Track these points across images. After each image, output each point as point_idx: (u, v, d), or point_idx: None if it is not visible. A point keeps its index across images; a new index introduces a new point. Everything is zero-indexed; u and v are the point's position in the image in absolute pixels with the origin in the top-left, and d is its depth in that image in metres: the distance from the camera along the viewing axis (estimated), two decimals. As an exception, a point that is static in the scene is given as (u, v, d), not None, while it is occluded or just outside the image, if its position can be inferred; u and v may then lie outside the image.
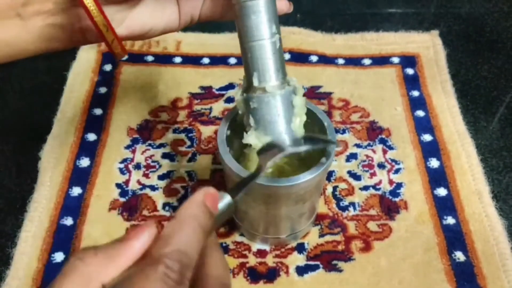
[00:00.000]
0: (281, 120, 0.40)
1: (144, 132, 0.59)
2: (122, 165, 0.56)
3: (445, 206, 0.52)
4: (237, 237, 0.51)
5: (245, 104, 0.41)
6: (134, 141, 0.58)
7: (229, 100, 0.62)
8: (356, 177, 0.55)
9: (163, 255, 0.23)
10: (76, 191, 0.54)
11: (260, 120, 0.40)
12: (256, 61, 0.39)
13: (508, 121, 0.61)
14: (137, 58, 0.67)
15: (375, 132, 0.59)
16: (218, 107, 0.62)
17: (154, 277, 0.22)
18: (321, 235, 0.50)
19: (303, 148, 0.38)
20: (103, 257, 0.24)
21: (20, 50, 0.39)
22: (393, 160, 0.56)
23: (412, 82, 0.64)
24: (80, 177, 0.55)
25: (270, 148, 0.38)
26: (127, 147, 0.58)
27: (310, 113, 0.45)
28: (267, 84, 0.39)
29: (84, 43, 0.41)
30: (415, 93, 0.63)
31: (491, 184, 0.54)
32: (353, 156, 0.57)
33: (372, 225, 0.51)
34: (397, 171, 0.55)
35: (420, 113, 0.60)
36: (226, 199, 0.29)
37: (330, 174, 0.55)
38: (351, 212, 0.52)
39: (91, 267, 0.23)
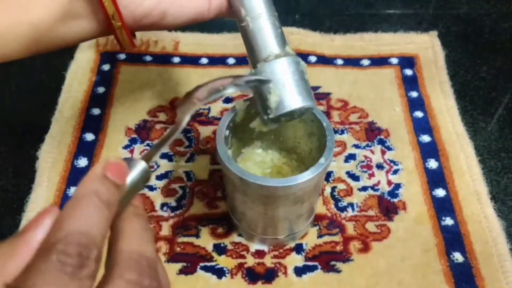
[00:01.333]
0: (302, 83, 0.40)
1: (142, 132, 0.59)
2: (120, 165, 0.56)
3: (444, 207, 0.52)
4: (235, 238, 0.50)
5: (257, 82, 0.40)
6: (132, 141, 0.58)
7: (228, 100, 0.62)
8: (355, 178, 0.55)
9: (55, 242, 0.20)
10: (74, 191, 0.53)
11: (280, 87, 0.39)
12: (264, 33, 0.40)
13: (506, 122, 0.61)
14: (135, 58, 0.67)
15: (373, 133, 0.59)
16: (216, 107, 0.62)
17: (47, 268, 0.20)
18: (320, 236, 0.50)
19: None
20: (1, 256, 0.21)
21: (44, 33, 0.38)
22: (391, 161, 0.56)
23: (410, 82, 0.64)
24: (78, 177, 0.55)
25: (186, 100, 0.36)
26: (125, 147, 0.57)
27: (309, 113, 0.45)
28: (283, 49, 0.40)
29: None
30: (414, 94, 0.63)
31: (490, 185, 0.54)
32: (351, 156, 0.57)
33: (371, 226, 0.51)
34: (395, 171, 0.55)
35: (419, 113, 0.60)
36: (140, 165, 0.26)
37: (328, 175, 0.55)
38: (350, 212, 0.52)
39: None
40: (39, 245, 0.21)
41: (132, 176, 0.25)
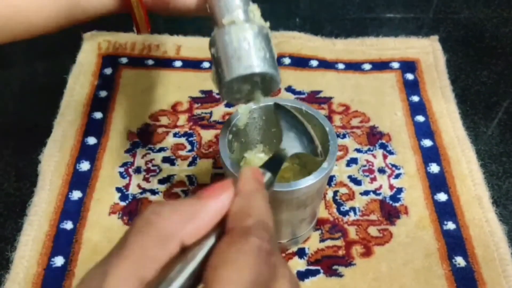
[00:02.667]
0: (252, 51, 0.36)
1: (144, 136, 0.59)
2: (122, 169, 0.56)
3: (445, 211, 0.52)
4: (237, 242, 0.50)
5: (213, 44, 0.38)
6: (135, 145, 0.58)
7: (229, 104, 0.62)
8: (357, 182, 0.55)
9: (250, 227, 0.22)
10: (76, 195, 0.53)
11: (230, 53, 0.36)
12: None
13: (507, 126, 0.61)
14: (137, 62, 0.67)
15: (375, 137, 0.59)
16: (218, 111, 0.62)
17: (248, 249, 0.21)
18: (322, 240, 0.50)
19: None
20: (181, 215, 0.23)
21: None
22: (393, 165, 0.56)
23: (412, 87, 0.64)
24: (80, 181, 0.55)
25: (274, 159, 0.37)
26: (127, 151, 0.58)
27: (312, 118, 0.45)
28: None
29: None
30: (415, 98, 0.63)
31: (491, 190, 0.54)
32: (353, 161, 0.57)
33: (373, 230, 0.51)
34: (397, 176, 0.55)
35: (420, 118, 0.61)
36: (267, 174, 0.30)
37: (330, 179, 0.55)
38: (352, 217, 0.52)
39: (169, 223, 0.22)
40: (216, 216, 0.23)
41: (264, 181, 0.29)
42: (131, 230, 0.22)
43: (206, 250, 0.23)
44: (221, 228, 0.24)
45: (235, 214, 0.24)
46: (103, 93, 0.63)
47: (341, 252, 0.49)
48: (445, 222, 0.51)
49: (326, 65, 0.67)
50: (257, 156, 0.51)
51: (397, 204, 0.53)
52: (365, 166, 0.56)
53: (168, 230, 0.22)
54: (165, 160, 0.57)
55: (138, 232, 0.22)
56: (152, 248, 0.22)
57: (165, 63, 0.67)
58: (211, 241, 0.23)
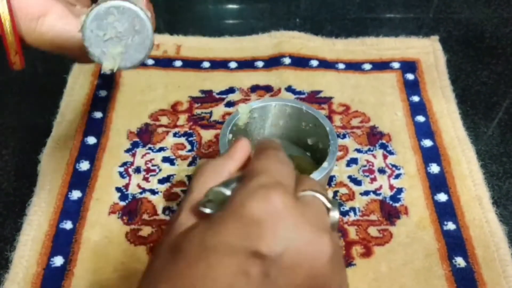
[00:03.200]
0: None
1: (144, 136, 0.59)
2: (122, 169, 0.56)
3: (446, 211, 0.52)
4: (237, 242, 0.50)
5: None
6: (134, 145, 0.58)
7: (230, 104, 0.62)
8: (357, 182, 0.55)
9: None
10: (75, 194, 0.53)
11: None
12: None
13: (508, 126, 0.61)
14: (137, 62, 0.67)
15: (375, 137, 0.59)
16: (218, 111, 0.62)
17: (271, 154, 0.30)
18: (322, 240, 0.50)
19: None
20: (223, 157, 0.32)
21: None
22: (393, 165, 0.56)
23: (412, 87, 0.64)
24: (80, 180, 0.55)
25: None
26: (127, 150, 0.57)
27: (312, 118, 0.45)
28: None
29: None
30: (415, 98, 0.63)
31: (491, 190, 0.54)
32: (353, 161, 0.57)
33: (373, 230, 0.51)
34: (397, 176, 0.55)
35: (421, 118, 0.61)
36: None
37: (330, 179, 0.55)
38: (352, 217, 0.52)
39: (218, 161, 0.31)
40: (244, 158, 0.32)
41: None
42: (196, 176, 0.31)
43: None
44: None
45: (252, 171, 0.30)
46: (103, 93, 0.63)
47: (341, 252, 0.49)
48: (445, 223, 0.51)
49: (326, 65, 0.67)
50: None
51: (397, 204, 0.53)
52: (365, 166, 0.56)
53: (218, 166, 0.31)
54: (165, 160, 0.57)
55: (201, 174, 0.31)
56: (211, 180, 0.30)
57: (165, 62, 0.67)
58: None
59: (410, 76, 0.66)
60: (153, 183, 0.55)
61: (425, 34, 0.71)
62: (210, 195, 0.28)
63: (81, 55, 0.38)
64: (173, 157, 0.57)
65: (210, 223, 0.26)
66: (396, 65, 0.67)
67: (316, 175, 0.40)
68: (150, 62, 0.67)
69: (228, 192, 0.28)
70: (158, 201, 0.53)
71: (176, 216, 0.29)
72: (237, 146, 0.33)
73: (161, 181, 0.55)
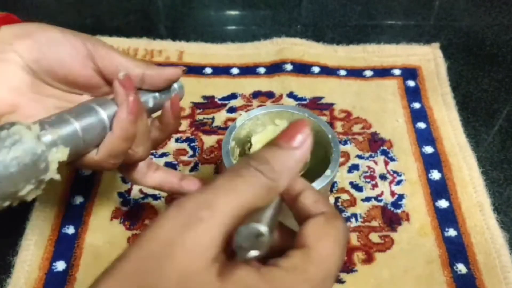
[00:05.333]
0: None
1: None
2: (124, 174, 0.56)
3: (447, 218, 0.52)
4: (239, 248, 0.50)
5: None
6: (137, 150, 0.58)
7: (232, 110, 0.63)
8: (358, 188, 0.55)
9: (337, 214, 0.28)
10: (78, 199, 0.54)
11: None
12: None
13: (508, 134, 0.61)
14: (139, 67, 0.67)
15: (376, 144, 0.59)
16: (220, 117, 0.62)
17: (342, 230, 0.27)
18: (323, 246, 0.50)
19: None
20: (279, 173, 0.27)
21: None
22: (394, 172, 0.56)
23: (413, 94, 0.65)
24: (82, 185, 0.55)
25: None
26: (130, 156, 0.58)
27: (315, 125, 0.45)
28: None
29: None
30: (417, 105, 0.63)
31: (492, 197, 0.54)
32: (355, 167, 0.57)
33: (374, 237, 0.51)
34: (398, 182, 0.55)
35: (422, 125, 0.61)
36: None
37: (332, 185, 0.55)
38: (353, 223, 0.52)
39: (270, 183, 0.26)
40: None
41: None
42: (239, 173, 0.26)
43: (277, 208, 0.27)
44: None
45: (322, 197, 0.28)
46: (105, 98, 0.64)
47: (342, 259, 0.49)
48: (447, 229, 0.51)
49: (328, 71, 0.67)
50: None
51: (398, 211, 0.53)
52: (366, 172, 0.56)
53: (269, 187, 0.26)
54: (167, 165, 0.57)
55: (245, 182, 0.25)
56: (254, 201, 0.25)
57: (167, 68, 0.68)
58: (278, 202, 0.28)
59: (411, 83, 0.66)
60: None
61: (426, 41, 0.71)
62: (242, 239, 0.23)
63: None
64: (175, 162, 0.57)
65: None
66: (397, 72, 0.67)
67: (319, 183, 0.41)
68: (153, 68, 0.67)
69: (265, 230, 0.23)
70: (160, 206, 0.53)
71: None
72: (297, 155, 0.27)
73: (163, 187, 0.55)
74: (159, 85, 0.41)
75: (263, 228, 0.23)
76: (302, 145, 0.27)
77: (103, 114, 0.36)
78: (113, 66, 0.38)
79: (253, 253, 0.22)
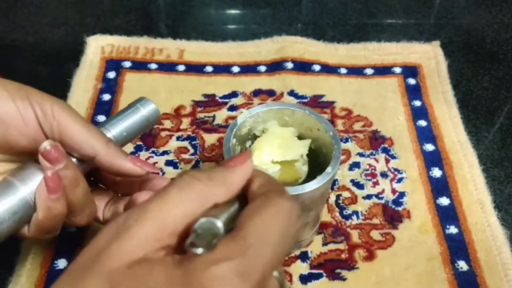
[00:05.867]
0: None
1: (148, 140, 0.59)
2: (125, 172, 0.56)
3: (448, 215, 0.52)
4: (240, 245, 0.50)
5: None
6: (138, 148, 0.58)
7: (232, 108, 0.63)
8: (359, 186, 0.55)
9: (285, 191, 0.27)
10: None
11: None
12: None
13: (509, 131, 0.61)
14: (140, 66, 0.68)
15: (377, 141, 0.59)
16: (221, 115, 0.62)
17: (283, 207, 0.25)
18: (325, 244, 0.51)
19: None
20: (217, 181, 0.26)
21: None
22: (395, 169, 0.56)
23: (414, 92, 0.65)
24: (84, 184, 0.55)
25: None
26: (131, 154, 0.58)
27: (316, 123, 0.45)
28: None
29: None
30: (417, 103, 0.63)
31: (493, 194, 0.54)
32: (356, 165, 0.57)
33: (375, 234, 0.51)
34: (399, 180, 0.55)
35: (422, 123, 0.61)
36: None
37: (333, 183, 0.55)
38: (354, 220, 0.52)
39: (208, 188, 0.25)
40: (242, 181, 0.27)
41: None
42: (171, 187, 0.25)
43: (234, 209, 0.26)
44: (242, 195, 0.27)
45: (269, 181, 0.28)
46: (106, 97, 0.64)
47: (344, 256, 0.50)
48: (448, 226, 0.51)
49: (328, 69, 0.67)
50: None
51: (399, 208, 0.53)
52: (367, 170, 0.57)
53: (207, 194, 0.25)
54: (168, 163, 0.57)
55: (180, 191, 0.25)
56: (192, 206, 0.25)
57: (168, 67, 0.68)
58: (236, 203, 0.27)
59: (411, 81, 0.66)
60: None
61: (426, 39, 0.71)
62: (199, 229, 0.23)
63: None
64: (176, 160, 0.57)
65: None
66: (397, 70, 0.67)
67: (320, 180, 0.41)
68: (154, 66, 0.68)
69: (220, 227, 0.23)
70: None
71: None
72: (237, 171, 0.27)
73: (164, 185, 0.55)
74: (111, 173, 0.37)
75: (218, 223, 0.23)
76: (241, 164, 0.27)
77: (25, 190, 0.32)
78: (67, 139, 0.34)
79: (199, 250, 0.22)
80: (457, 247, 0.50)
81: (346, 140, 0.59)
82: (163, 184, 0.38)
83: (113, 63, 0.68)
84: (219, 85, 0.66)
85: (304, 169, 0.45)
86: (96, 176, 0.41)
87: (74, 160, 0.35)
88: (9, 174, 0.33)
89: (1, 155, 0.34)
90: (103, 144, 0.35)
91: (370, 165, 0.57)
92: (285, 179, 0.46)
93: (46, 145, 0.32)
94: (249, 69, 0.68)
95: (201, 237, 0.23)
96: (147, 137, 0.59)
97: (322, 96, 0.64)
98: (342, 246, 0.50)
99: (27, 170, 0.33)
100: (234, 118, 0.49)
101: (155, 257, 0.23)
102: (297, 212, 0.26)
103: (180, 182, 0.25)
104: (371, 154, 0.58)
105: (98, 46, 0.69)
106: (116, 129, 0.39)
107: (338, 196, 0.54)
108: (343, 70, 0.67)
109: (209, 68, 0.68)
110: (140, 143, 0.59)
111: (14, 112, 0.33)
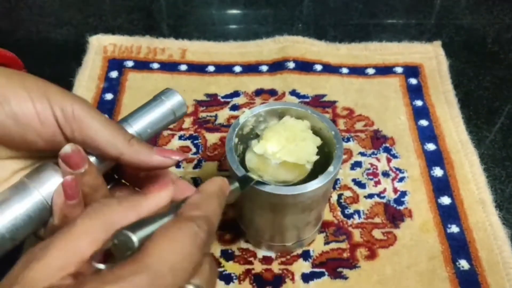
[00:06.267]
0: None
1: (150, 139, 0.59)
2: (128, 172, 0.56)
3: (449, 214, 0.53)
4: (242, 244, 0.51)
5: None
6: (140, 148, 0.58)
7: (234, 107, 0.63)
8: (361, 185, 0.55)
9: (195, 217, 0.26)
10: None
11: None
12: None
13: (510, 131, 0.61)
14: (143, 65, 0.68)
15: (379, 141, 0.59)
16: (223, 114, 0.62)
17: (186, 232, 0.25)
18: (326, 243, 0.51)
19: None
20: (126, 206, 0.27)
21: None
22: (397, 169, 0.57)
23: (415, 92, 0.65)
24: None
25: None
26: (133, 153, 0.58)
27: (318, 122, 0.45)
28: None
29: None
30: (419, 103, 0.63)
31: (494, 193, 0.54)
32: (357, 164, 0.57)
33: (377, 233, 0.51)
34: (401, 179, 0.56)
35: (424, 122, 0.61)
36: (235, 184, 0.34)
37: (335, 182, 0.55)
38: (356, 220, 0.52)
39: (116, 214, 0.26)
40: (156, 207, 0.28)
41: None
42: (81, 216, 0.26)
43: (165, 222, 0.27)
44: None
45: (189, 205, 0.28)
46: (109, 96, 0.64)
47: (345, 255, 0.50)
48: (449, 225, 0.52)
49: (330, 69, 0.67)
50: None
51: (401, 207, 0.53)
52: (369, 169, 0.57)
53: (114, 219, 0.26)
54: (171, 162, 0.57)
55: (88, 219, 0.26)
56: (98, 233, 0.25)
57: (170, 66, 0.68)
58: (169, 217, 0.27)
59: (413, 81, 0.66)
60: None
61: (428, 39, 0.72)
62: (116, 241, 0.24)
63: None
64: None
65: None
66: (399, 69, 0.68)
67: (322, 180, 0.41)
68: (156, 66, 0.68)
69: (135, 241, 0.24)
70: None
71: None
72: (150, 198, 0.28)
73: (167, 184, 0.55)
74: (139, 170, 0.36)
75: (134, 237, 0.24)
76: (157, 191, 0.28)
77: (41, 194, 0.31)
78: (89, 141, 0.32)
79: (101, 266, 0.24)
80: (459, 246, 0.50)
81: (348, 140, 0.59)
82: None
83: (115, 63, 0.68)
84: (221, 85, 0.66)
85: (308, 166, 0.45)
86: (118, 171, 0.40)
87: (95, 159, 0.34)
88: (25, 176, 0.32)
89: (19, 152, 0.33)
90: (126, 143, 0.33)
91: (371, 165, 0.57)
92: (289, 171, 0.46)
93: (67, 149, 0.31)
94: (251, 68, 0.68)
95: (117, 249, 0.24)
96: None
97: (323, 95, 0.64)
98: (344, 245, 0.51)
99: (44, 173, 0.32)
100: (236, 117, 0.49)
101: (62, 284, 0.24)
102: (203, 237, 0.26)
103: (89, 210, 0.27)
104: (373, 153, 0.58)
105: (100, 46, 0.70)
106: (139, 125, 0.37)
107: (340, 195, 0.54)
108: (345, 70, 0.67)
109: (211, 68, 0.68)
110: (142, 142, 0.59)
111: (32, 113, 0.31)
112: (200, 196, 0.29)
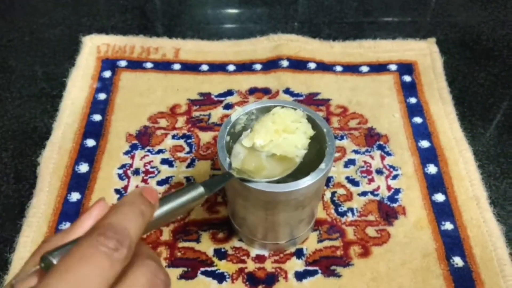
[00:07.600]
0: None
1: (143, 138, 0.59)
2: (121, 171, 0.56)
3: (443, 211, 0.52)
4: (235, 243, 0.51)
5: None
6: (133, 147, 0.58)
7: (228, 106, 0.63)
8: (355, 183, 0.55)
9: (98, 227, 0.26)
10: (74, 196, 0.54)
11: None
12: None
13: (505, 128, 0.61)
14: (136, 65, 0.68)
15: (373, 139, 0.59)
16: (216, 113, 0.62)
17: (88, 243, 0.24)
18: (320, 241, 0.51)
19: None
20: (61, 234, 0.27)
21: None
22: (391, 166, 0.56)
23: (409, 89, 0.65)
24: (79, 182, 0.55)
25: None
26: (126, 153, 0.58)
27: (310, 120, 0.45)
28: None
29: None
30: (413, 100, 0.63)
31: (489, 190, 0.54)
32: (351, 162, 0.57)
33: (371, 231, 0.51)
34: (395, 177, 0.55)
35: (418, 119, 0.61)
36: (199, 189, 0.32)
37: (328, 180, 0.55)
38: (350, 217, 0.52)
39: (52, 243, 0.27)
40: (87, 226, 0.27)
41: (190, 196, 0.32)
42: (29, 258, 0.27)
43: None
44: None
45: (97, 223, 0.27)
46: (102, 96, 0.64)
47: (339, 253, 0.50)
48: (443, 223, 0.51)
49: (324, 67, 0.67)
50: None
51: (395, 205, 0.53)
52: (363, 167, 0.56)
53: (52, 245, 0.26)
54: (164, 161, 0.57)
55: (32, 258, 0.26)
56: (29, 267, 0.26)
57: (164, 66, 0.68)
58: None
59: (407, 78, 0.66)
60: (152, 185, 0.55)
61: (422, 37, 0.71)
62: (42, 263, 0.25)
63: None
64: (172, 159, 0.57)
65: None
66: (393, 67, 0.67)
67: (314, 176, 0.41)
68: (149, 65, 0.68)
69: (55, 260, 0.25)
70: (157, 203, 0.53)
71: None
72: (84, 217, 0.28)
73: (159, 183, 0.55)
74: None
75: (54, 260, 0.24)
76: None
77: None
78: None
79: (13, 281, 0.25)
80: (453, 243, 0.50)
81: (342, 138, 0.59)
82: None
83: (108, 63, 0.68)
84: (215, 84, 0.66)
85: (297, 159, 0.43)
86: None
87: None
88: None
89: None
90: None
91: (365, 162, 0.57)
92: (278, 164, 0.44)
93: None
94: (244, 67, 0.68)
95: (44, 268, 0.25)
96: (142, 135, 0.59)
97: (317, 93, 0.64)
98: (337, 243, 0.50)
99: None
100: (229, 116, 0.49)
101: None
102: (107, 244, 0.25)
103: (34, 251, 0.27)
104: (367, 151, 0.58)
105: (93, 46, 0.70)
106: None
107: (333, 193, 0.54)
108: (339, 68, 0.67)
109: (204, 67, 0.68)
110: (135, 141, 0.59)
111: None
112: (112, 207, 0.28)
